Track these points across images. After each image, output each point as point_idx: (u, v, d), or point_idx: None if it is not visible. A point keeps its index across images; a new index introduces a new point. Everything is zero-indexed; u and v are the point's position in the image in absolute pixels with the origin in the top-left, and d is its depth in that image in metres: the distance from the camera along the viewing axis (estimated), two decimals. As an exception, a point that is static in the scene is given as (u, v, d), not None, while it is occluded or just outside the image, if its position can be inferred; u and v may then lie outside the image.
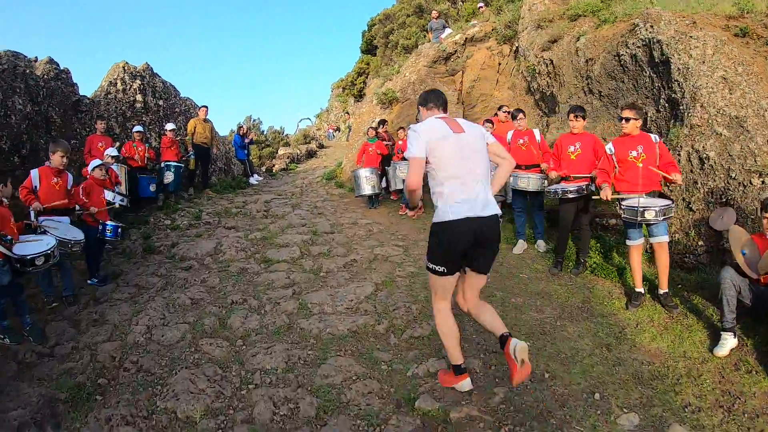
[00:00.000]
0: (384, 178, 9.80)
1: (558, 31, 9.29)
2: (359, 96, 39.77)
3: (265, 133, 23.03)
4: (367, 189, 9.33)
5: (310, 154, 21.99)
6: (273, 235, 7.26)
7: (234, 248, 6.64)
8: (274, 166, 17.56)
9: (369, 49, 31.53)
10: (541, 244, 6.38)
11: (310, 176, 14.58)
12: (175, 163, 8.98)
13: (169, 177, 8.84)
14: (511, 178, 6.09)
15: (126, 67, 10.16)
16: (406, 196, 3.77)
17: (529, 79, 10.69)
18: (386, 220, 8.59)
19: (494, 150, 2.93)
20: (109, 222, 5.67)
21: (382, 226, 8.15)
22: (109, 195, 6.31)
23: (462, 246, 2.71)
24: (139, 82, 10.03)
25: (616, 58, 7.00)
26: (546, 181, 6.07)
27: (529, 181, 6.15)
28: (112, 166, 6.93)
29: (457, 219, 2.64)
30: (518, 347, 2.58)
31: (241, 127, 13.26)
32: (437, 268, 2.79)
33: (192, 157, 9.85)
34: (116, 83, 9.86)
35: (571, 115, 5.48)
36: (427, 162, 2.74)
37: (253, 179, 13.08)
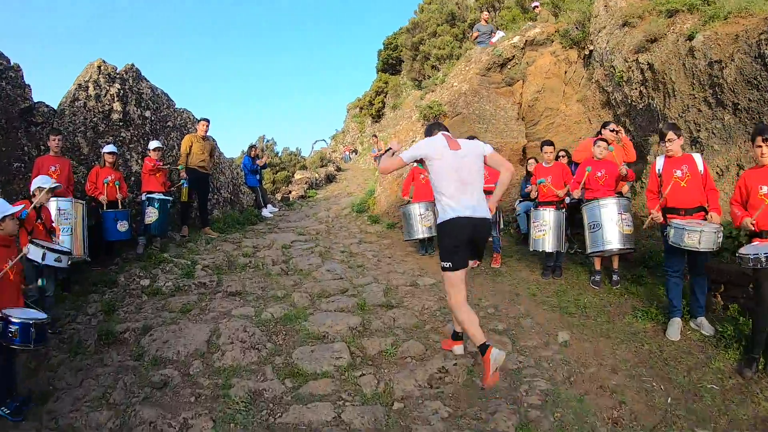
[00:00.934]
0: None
1: (656, 28, 7.07)
2: (377, 116, 37.94)
3: (279, 155, 20.71)
4: (422, 231, 6.78)
5: (330, 179, 19.55)
6: (300, 314, 4.62)
7: (239, 342, 4.00)
8: (290, 193, 15.06)
9: (386, 68, 30.59)
10: (704, 324, 4.25)
11: (333, 205, 12.05)
12: (161, 195, 6.46)
13: (151, 214, 6.32)
14: (673, 231, 4.10)
15: (102, 67, 7.77)
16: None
17: (610, 90, 8.45)
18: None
19: (493, 160, 3.45)
20: (15, 316, 3.11)
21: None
22: (33, 252, 3.80)
23: (463, 238, 3.26)
24: (119, 87, 7.62)
25: (759, 60, 5.27)
26: (720, 234, 3.93)
27: (702, 236, 3.85)
28: (50, 203, 4.43)
29: (457, 216, 3.22)
30: (496, 356, 3.07)
31: (253, 147, 10.81)
32: (445, 264, 3.31)
33: (185, 185, 7.34)
34: (87, 87, 7.46)
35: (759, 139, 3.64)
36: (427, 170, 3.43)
37: (267, 211, 10.56)
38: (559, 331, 4.51)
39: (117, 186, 6.08)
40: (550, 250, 5.88)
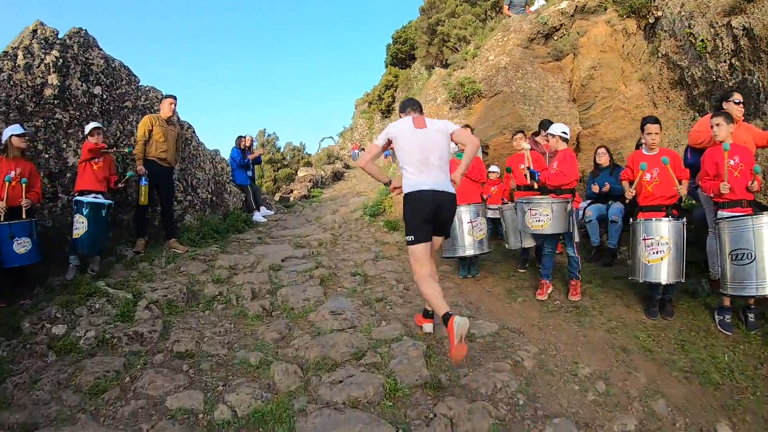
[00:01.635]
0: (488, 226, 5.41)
1: (747, -14, 5.20)
2: (387, 111, 36.31)
3: (282, 150, 18.77)
4: (470, 246, 4.83)
5: (337, 177, 17.60)
6: (280, 412, 2.59)
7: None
8: (291, 192, 13.11)
9: (395, 62, 29.66)
10: None
11: (341, 207, 10.08)
12: (93, 197, 4.50)
13: (79, 225, 4.37)
14: None
15: (39, 31, 5.86)
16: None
17: (685, 64, 6.89)
18: (517, 318, 4.05)
19: (459, 137, 3.46)
20: None
21: (522, 332, 3.71)
22: None
23: (426, 212, 3.21)
24: (57, 55, 5.68)
25: None
26: None
27: None
28: None
29: (419, 190, 3.20)
30: (460, 323, 2.76)
31: (242, 138, 8.83)
32: (408, 237, 3.26)
33: (144, 183, 5.39)
34: (16, 56, 5.54)
35: None
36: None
37: (259, 215, 8.60)
38: (716, 424, 2.91)
39: (24, 185, 4.13)
40: (671, 281, 3.87)
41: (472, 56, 9.08)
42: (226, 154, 8.92)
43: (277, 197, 12.14)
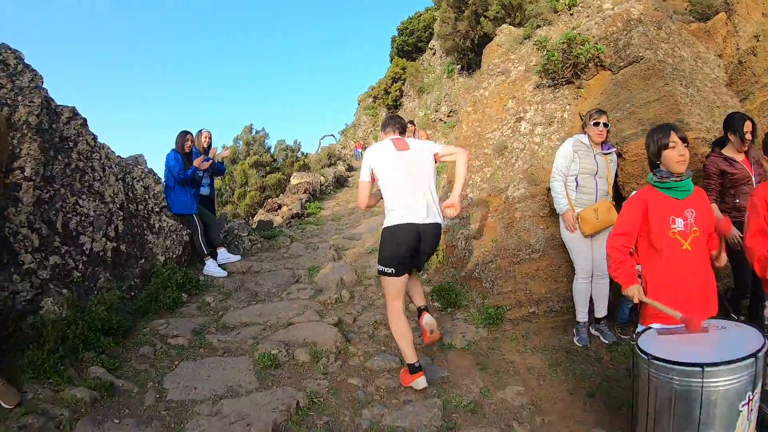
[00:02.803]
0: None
1: None
2: (395, 106, 33.15)
3: (272, 151, 15.20)
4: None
5: (340, 182, 14.12)
6: None
7: None
8: (279, 208, 9.61)
9: (401, 55, 28.37)
10: None
11: (350, 243, 6.62)
12: None
13: None
14: None
15: None
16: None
17: None
18: None
19: (444, 153, 3.15)
20: None
21: None
22: None
23: (406, 247, 2.93)
24: None
25: None
26: None
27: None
28: None
29: (401, 223, 2.91)
30: (429, 322, 3.15)
31: (188, 135, 5.30)
32: (386, 269, 2.98)
33: None
34: None
35: None
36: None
37: (214, 266, 5.15)
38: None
39: None
40: None
41: (569, 4, 5.54)
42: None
43: (256, 219, 8.60)
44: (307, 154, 16.91)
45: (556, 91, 4.96)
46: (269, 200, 10.20)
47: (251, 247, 6.44)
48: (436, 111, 15.44)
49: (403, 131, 3.26)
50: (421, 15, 33.91)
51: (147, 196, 4.95)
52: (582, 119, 4.32)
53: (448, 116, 15.54)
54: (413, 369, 2.99)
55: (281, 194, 10.94)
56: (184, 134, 5.35)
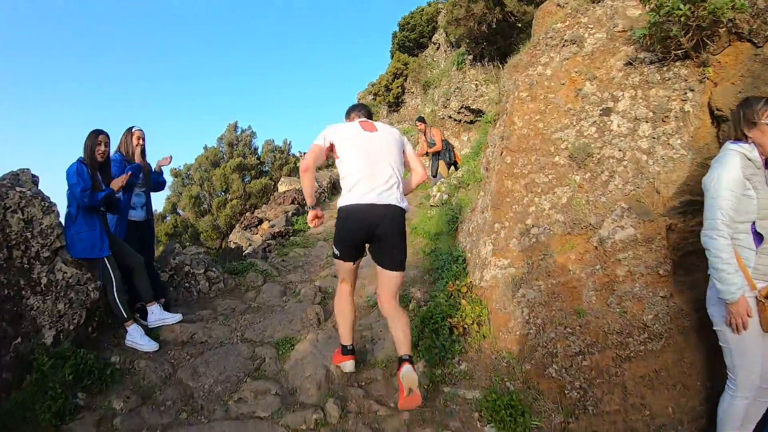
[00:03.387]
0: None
1: None
2: (396, 104, 31.23)
3: (259, 152, 13.32)
4: None
5: (337, 188, 12.31)
6: None
7: None
8: (259, 224, 7.81)
9: (402, 50, 26.72)
10: None
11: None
12: None
13: None
14: None
15: None
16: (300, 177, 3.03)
17: None
18: None
19: (409, 160, 2.97)
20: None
21: None
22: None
23: (356, 232, 2.69)
24: None
25: None
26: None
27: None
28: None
29: (353, 204, 2.64)
30: (408, 376, 2.49)
31: (100, 136, 3.49)
32: (335, 250, 2.82)
33: None
34: None
35: None
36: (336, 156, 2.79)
37: (136, 336, 3.37)
38: None
39: None
40: None
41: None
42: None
43: (231, 239, 6.79)
44: (299, 155, 15.06)
45: (665, 69, 3.16)
46: (246, 215, 8.40)
47: (209, 289, 4.66)
48: (445, 107, 13.67)
49: (369, 116, 3.05)
50: (423, 9, 32.07)
51: (29, 235, 3.16)
52: (725, 115, 2.56)
53: (459, 113, 13.78)
54: (345, 351, 2.96)
55: (261, 206, 9.12)
56: (96, 135, 3.54)
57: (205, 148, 13.07)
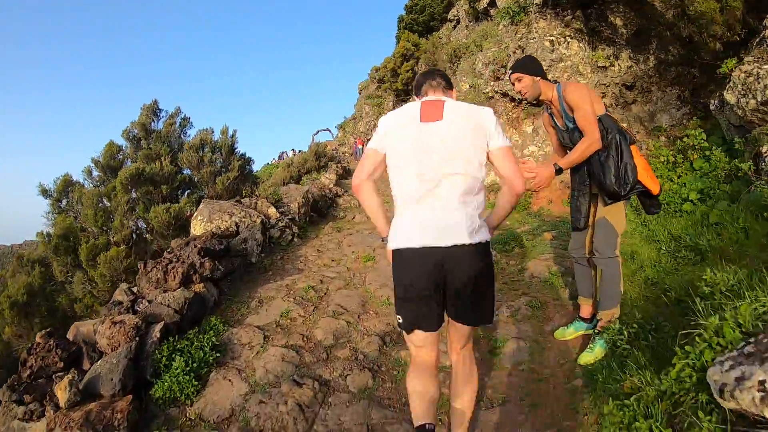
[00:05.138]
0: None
1: None
2: (405, 92, 25.07)
3: (184, 150, 7.89)
4: None
5: (321, 210, 7.16)
6: None
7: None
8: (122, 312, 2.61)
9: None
10: None
11: None
12: None
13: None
14: None
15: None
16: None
17: None
18: None
19: (496, 162, 1.84)
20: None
21: None
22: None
23: (418, 281, 1.75)
24: None
25: None
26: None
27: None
28: None
29: (409, 247, 1.74)
30: None
31: None
32: (397, 318, 1.88)
33: None
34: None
35: None
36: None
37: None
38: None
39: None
40: None
41: None
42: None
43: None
44: (279, 162, 9.83)
45: None
46: (121, 287, 3.32)
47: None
48: (497, 79, 8.50)
49: (448, 87, 2.00)
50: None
51: None
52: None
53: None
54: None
55: (161, 259, 3.85)
56: None
57: (112, 144, 7.86)
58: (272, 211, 5.61)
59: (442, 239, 1.70)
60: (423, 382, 1.88)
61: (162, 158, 6.55)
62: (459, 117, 1.80)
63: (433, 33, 26.22)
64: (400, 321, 1.85)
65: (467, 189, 1.75)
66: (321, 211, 7.51)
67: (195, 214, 4.96)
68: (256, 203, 5.62)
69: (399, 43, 28.65)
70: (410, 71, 24.70)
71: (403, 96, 25.17)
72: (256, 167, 13.11)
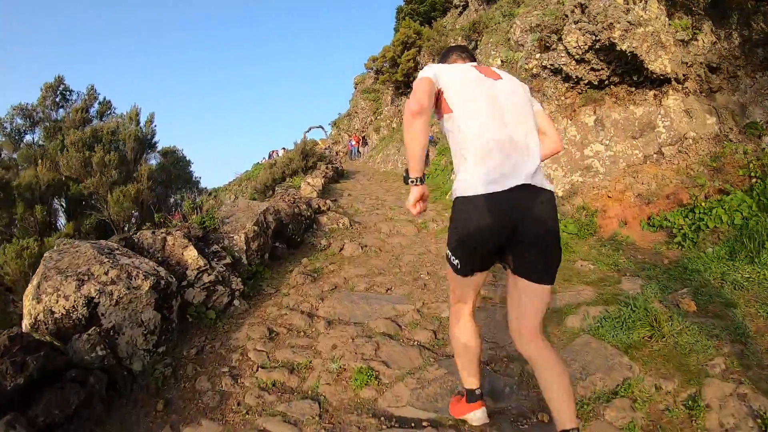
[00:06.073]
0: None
1: None
2: (405, 84, 22.79)
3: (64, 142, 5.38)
4: None
5: (310, 222, 4.69)
6: None
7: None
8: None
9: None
10: None
11: None
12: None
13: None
14: None
15: None
16: (405, 125, 1.79)
17: None
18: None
19: (542, 120, 1.99)
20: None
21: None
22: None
23: (492, 233, 1.70)
24: None
25: None
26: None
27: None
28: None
29: (481, 194, 1.69)
30: None
31: None
32: (453, 259, 1.86)
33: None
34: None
35: None
36: (442, 117, 1.84)
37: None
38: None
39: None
40: None
41: None
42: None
43: None
44: (238, 176, 7.51)
45: None
46: None
47: None
48: (545, 50, 6.11)
49: (474, 60, 2.08)
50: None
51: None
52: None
53: (582, 61, 6.13)
54: (472, 397, 2.01)
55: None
56: None
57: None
58: (191, 255, 3.17)
59: (532, 181, 1.66)
60: (472, 333, 1.89)
61: (40, 162, 4.11)
62: (511, 79, 1.87)
63: (437, 20, 23.92)
64: (460, 265, 1.77)
65: (537, 141, 1.78)
66: (292, 239, 5.06)
67: (31, 281, 2.52)
68: (165, 241, 3.17)
69: (397, 31, 26.39)
70: (411, 60, 22.28)
71: (403, 89, 22.76)
72: (247, 166, 10.78)
